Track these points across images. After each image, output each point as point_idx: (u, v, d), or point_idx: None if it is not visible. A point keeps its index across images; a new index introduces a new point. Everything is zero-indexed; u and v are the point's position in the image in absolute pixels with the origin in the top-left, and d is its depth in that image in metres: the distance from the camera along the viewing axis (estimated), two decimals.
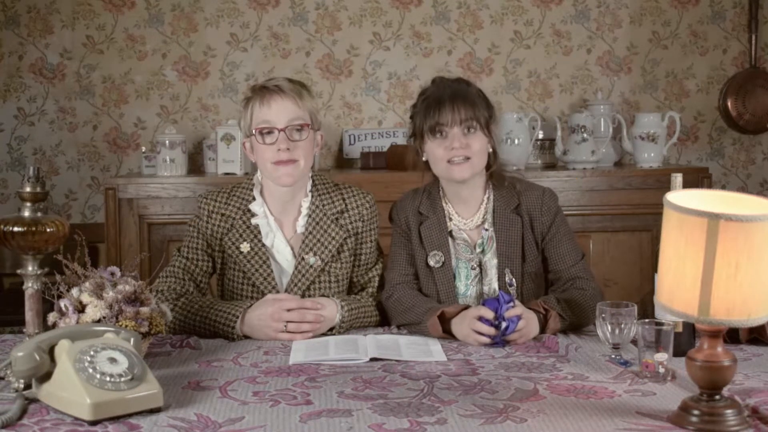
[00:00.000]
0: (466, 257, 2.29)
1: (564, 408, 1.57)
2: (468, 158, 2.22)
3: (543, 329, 2.09)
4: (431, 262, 2.29)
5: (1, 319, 3.46)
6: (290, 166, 2.23)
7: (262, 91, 2.26)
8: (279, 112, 2.23)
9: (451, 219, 2.32)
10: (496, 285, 2.27)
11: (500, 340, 2.02)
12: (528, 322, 2.04)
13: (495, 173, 2.32)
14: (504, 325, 2.01)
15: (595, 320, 1.94)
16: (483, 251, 2.29)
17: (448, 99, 2.23)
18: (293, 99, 2.24)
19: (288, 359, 1.93)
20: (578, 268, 2.27)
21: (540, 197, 2.30)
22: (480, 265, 2.29)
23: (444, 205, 2.33)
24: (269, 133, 2.23)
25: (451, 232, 2.31)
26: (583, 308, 2.17)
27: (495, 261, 2.28)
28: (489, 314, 2.02)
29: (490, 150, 2.29)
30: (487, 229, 2.30)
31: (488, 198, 2.32)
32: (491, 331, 2.01)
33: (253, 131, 2.24)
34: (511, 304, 2.03)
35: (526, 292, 2.27)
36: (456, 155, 2.22)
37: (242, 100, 2.33)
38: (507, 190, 2.31)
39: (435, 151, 2.25)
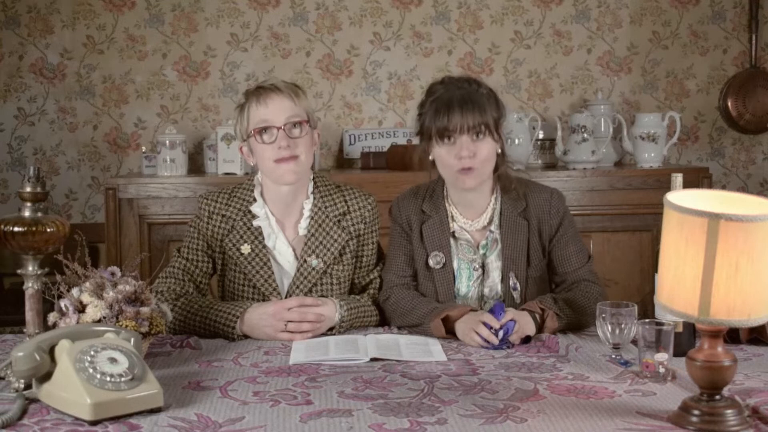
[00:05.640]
0: (468, 258, 2.28)
1: (564, 408, 1.57)
2: (476, 168, 2.18)
3: (540, 329, 2.09)
4: (431, 263, 2.27)
5: (1, 319, 3.46)
6: (291, 162, 2.22)
7: (258, 91, 2.25)
8: (276, 109, 2.22)
9: (454, 219, 2.30)
10: (498, 287, 2.26)
11: (501, 345, 2.02)
12: (520, 321, 2.05)
13: (502, 175, 2.28)
14: (503, 331, 2.01)
15: (595, 321, 1.94)
16: (486, 253, 2.27)
17: (457, 104, 2.16)
18: (290, 96, 2.23)
19: (288, 359, 1.93)
20: (584, 271, 2.26)
21: (548, 200, 2.28)
22: (483, 266, 2.28)
23: (447, 206, 2.30)
24: (267, 131, 2.23)
25: (453, 232, 2.29)
26: (584, 309, 2.15)
27: (499, 263, 2.26)
28: (495, 323, 2.02)
29: (499, 151, 2.24)
30: (492, 231, 2.27)
31: (495, 199, 2.29)
32: (493, 338, 2.00)
33: (251, 132, 2.24)
34: (503, 313, 2.03)
35: (530, 296, 2.24)
36: (464, 165, 2.17)
37: (236, 107, 2.31)
38: (514, 193, 2.28)
39: (444, 157, 2.20)
